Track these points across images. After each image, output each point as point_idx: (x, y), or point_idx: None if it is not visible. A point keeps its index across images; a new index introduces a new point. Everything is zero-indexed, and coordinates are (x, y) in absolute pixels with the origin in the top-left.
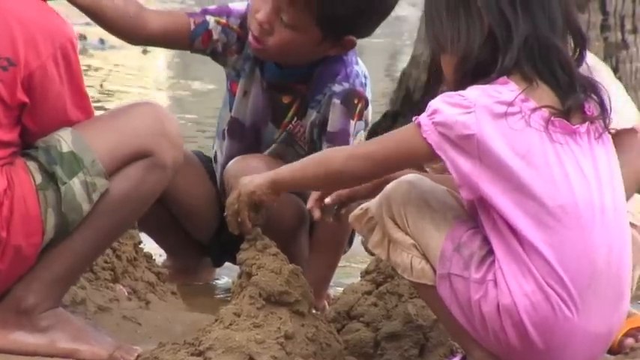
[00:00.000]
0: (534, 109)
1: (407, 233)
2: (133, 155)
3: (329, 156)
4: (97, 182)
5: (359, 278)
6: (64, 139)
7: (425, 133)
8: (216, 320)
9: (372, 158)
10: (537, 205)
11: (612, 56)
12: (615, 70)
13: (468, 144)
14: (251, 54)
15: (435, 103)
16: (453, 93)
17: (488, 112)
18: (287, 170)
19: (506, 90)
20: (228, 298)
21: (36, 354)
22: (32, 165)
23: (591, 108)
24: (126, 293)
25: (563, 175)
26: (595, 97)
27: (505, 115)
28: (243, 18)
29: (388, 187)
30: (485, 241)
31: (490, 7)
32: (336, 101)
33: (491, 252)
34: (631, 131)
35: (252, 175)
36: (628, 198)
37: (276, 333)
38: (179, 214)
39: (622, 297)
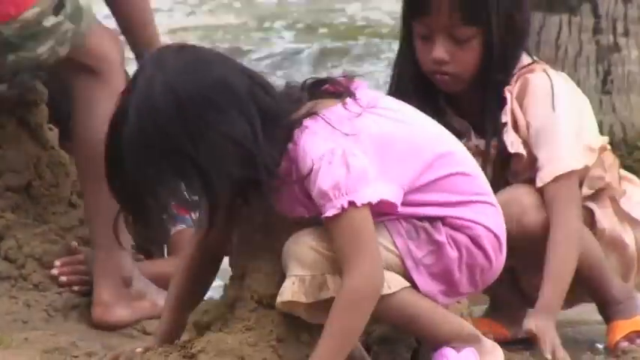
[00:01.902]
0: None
1: None
2: None
3: (343, 324)
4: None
5: None
6: None
7: (360, 202)
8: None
9: (373, 275)
10: (429, 149)
11: (604, 59)
12: (607, 73)
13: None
14: None
15: (327, 183)
16: (317, 164)
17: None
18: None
19: (317, 122)
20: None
21: (151, 316)
22: None
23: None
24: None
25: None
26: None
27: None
28: None
29: (296, 253)
30: (419, 218)
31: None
32: None
33: (432, 219)
34: (558, 180)
35: None
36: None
37: (268, 336)
38: None
39: None
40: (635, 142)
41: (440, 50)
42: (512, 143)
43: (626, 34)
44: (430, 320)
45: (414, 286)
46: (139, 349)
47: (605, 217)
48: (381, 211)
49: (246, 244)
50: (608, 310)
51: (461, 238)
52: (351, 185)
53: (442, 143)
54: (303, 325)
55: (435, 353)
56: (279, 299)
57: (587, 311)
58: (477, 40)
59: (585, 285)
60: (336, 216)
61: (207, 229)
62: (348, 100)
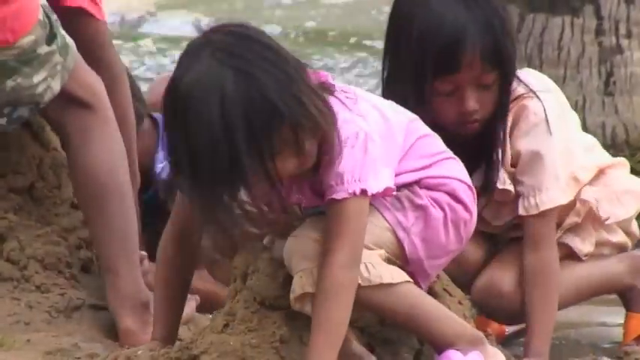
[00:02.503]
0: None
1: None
2: None
3: (326, 316)
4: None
5: None
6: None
7: (370, 192)
8: (210, 324)
9: (354, 261)
10: (399, 125)
11: (607, 60)
12: (610, 75)
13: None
14: None
15: (345, 167)
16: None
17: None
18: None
19: (334, 104)
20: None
21: None
22: None
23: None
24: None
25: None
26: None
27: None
28: None
29: (298, 248)
30: (398, 188)
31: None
32: None
33: (410, 185)
34: (542, 215)
35: None
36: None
37: (270, 337)
38: None
39: None
40: (638, 144)
41: (472, 102)
42: (500, 179)
43: (628, 35)
44: (432, 318)
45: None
46: (140, 352)
47: (584, 243)
48: (379, 195)
49: (248, 245)
50: (626, 297)
51: (440, 196)
52: (365, 173)
53: (403, 115)
54: (305, 326)
55: (440, 355)
56: (291, 296)
57: (589, 313)
58: (498, 81)
59: (595, 296)
60: (344, 199)
61: (183, 222)
62: (337, 87)
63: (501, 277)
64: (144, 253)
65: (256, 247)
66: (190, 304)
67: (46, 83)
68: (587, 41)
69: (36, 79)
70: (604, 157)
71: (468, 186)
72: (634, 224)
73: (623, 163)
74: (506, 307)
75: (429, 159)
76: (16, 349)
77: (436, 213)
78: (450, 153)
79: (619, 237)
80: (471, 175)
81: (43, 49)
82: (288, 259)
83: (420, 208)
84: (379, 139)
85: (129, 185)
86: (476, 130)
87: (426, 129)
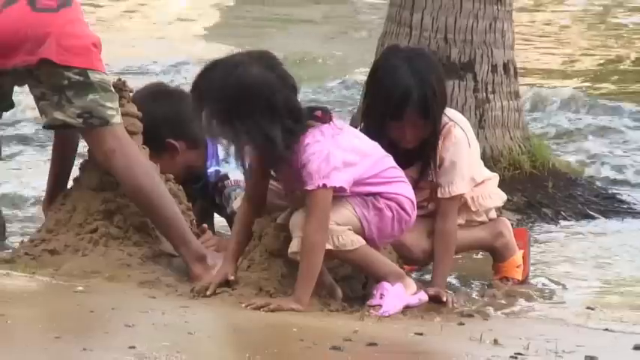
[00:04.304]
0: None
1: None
2: None
3: (304, 264)
4: None
5: None
6: None
7: (329, 185)
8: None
9: (322, 228)
10: (374, 155)
11: (480, 107)
12: (482, 116)
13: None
14: None
15: (313, 168)
16: (311, 155)
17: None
18: (301, 287)
19: (314, 130)
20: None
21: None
22: None
23: (323, 114)
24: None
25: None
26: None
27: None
28: None
29: (300, 222)
30: (367, 195)
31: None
32: None
33: (374, 194)
34: (452, 198)
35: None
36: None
37: (276, 273)
38: None
39: None
40: (499, 158)
41: (408, 138)
42: (431, 176)
43: (493, 92)
44: (376, 263)
45: (366, 237)
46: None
47: (458, 219)
48: (338, 191)
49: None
50: (492, 253)
51: (392, 204)
52: (326, 173)
53: (380, 150)
54: (296, 269)
55: (378, 285)
56: (289, 250)
57: (469, 259)
58: (427, 122)
59: (471, 250)
60: (312, 190)
61: (254, 184)
62: (332, 123)
63: (406, 236)
64: (205, 225)
65: (268, 218)
66: None
67: (113, 111)
68: (468, 95)
69: (108, 104)
70: (487, 172)
71: (412, 201)
72: (493, 211)
73: (495, 177)
74: (407, 254)
75: (392, 179)
76: (122, 282)
77: (388, 214)
78: (404, 179)
79: (482, 218)
80: (411, 166)
81: (112, 90)
82: (292, 227)
83: (378, 209)
84: (341, 154)
85: (164, 187)
86: (415, 146)
87: (393, 162)
